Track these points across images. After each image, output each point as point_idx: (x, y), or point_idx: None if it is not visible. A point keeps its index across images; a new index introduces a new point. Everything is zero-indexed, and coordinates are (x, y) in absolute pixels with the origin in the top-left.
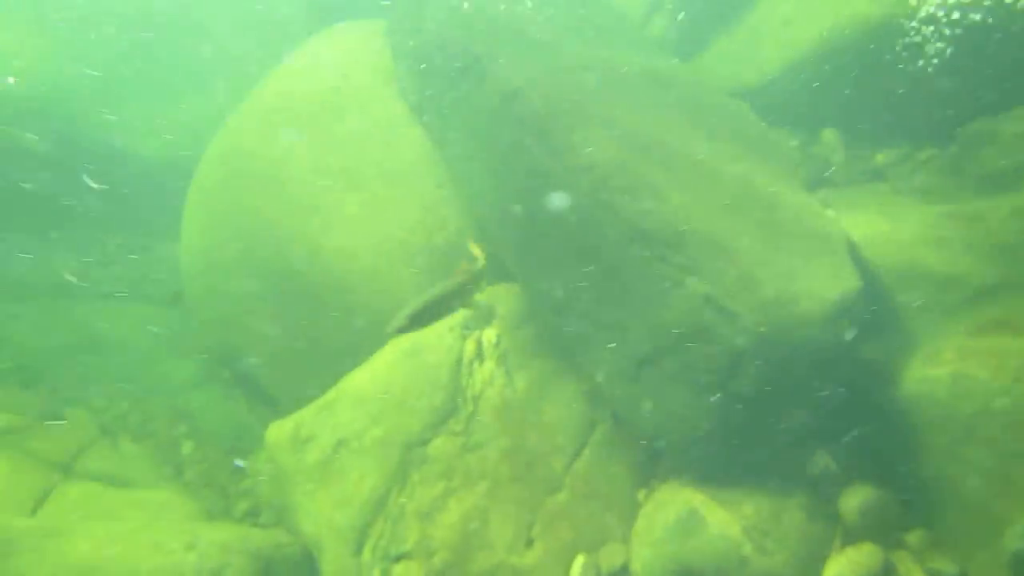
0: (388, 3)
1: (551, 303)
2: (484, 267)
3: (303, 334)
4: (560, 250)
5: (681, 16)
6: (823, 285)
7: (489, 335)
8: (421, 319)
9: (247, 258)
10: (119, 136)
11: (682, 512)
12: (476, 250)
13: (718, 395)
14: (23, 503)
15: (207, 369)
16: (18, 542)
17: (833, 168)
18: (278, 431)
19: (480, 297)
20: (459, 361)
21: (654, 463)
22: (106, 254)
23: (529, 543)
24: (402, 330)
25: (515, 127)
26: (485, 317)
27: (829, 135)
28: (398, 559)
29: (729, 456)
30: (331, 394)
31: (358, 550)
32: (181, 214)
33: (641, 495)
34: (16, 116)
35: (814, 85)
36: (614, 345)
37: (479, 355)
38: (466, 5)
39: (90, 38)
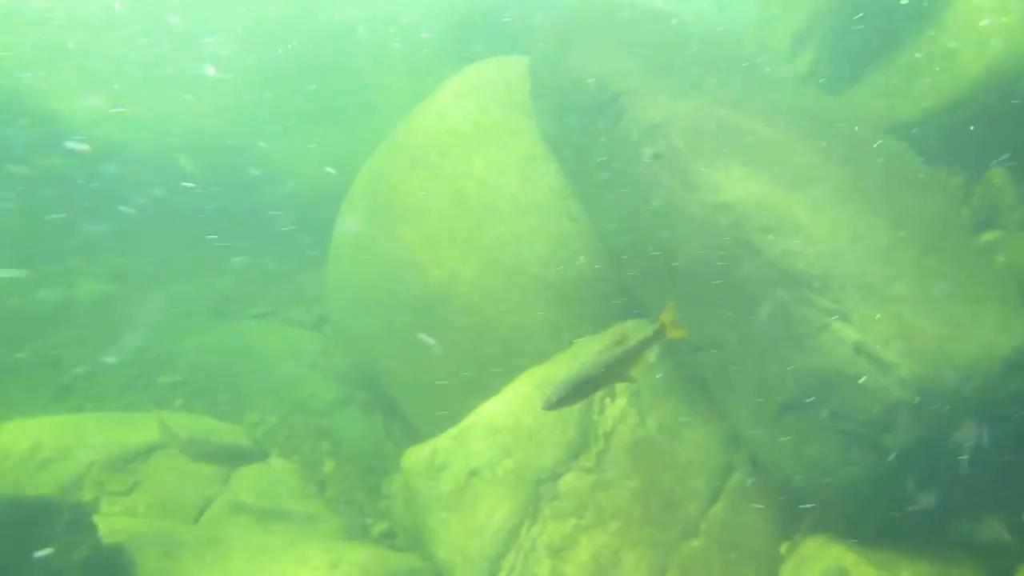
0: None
1: (688, 343)
2: (659, 333)
3: (439, 362)
4: (697, 288)
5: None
6: (992, 336)
7: None
8: (580, 391)
9: (388, 286)
10: (271, 166)
11: (830, 570)
12: (668, 314)
13: (870, 449)
14: (187, 511)
15: (348, 391)
16: (183, 548)
17: (1001, 211)
18: (414, 457)
19: (614, 330)
20: (591, 397)
21: (797, 515)
22: (260, 277)
23: None
24: (553, 405)
25: (652, 163)
26: None
27: (997, 175)
28: None
29: (883, 514)
30: (466, 422)
31: None
32: (326, 242)
33: (783, 548)
34: (181, 145)
35: (978, 121)
36: (754, 389)
37: (611, 391)
38: (607, 43)
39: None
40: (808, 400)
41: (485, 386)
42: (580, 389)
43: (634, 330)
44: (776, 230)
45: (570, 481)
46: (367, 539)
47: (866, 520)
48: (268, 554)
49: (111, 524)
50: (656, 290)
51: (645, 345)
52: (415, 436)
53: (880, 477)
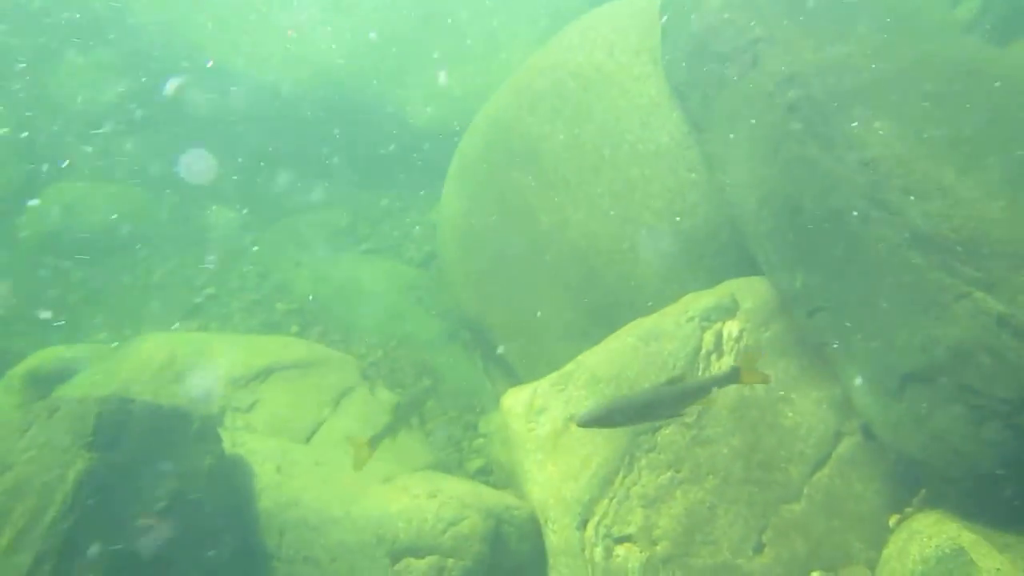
0: None
1: (805, 304)
2: (731, 377)
3: (542, 306)
4: (823, 249)
5: None
6: None
7: (731, 328)
8: (616, 418)
9: (497, 228)
10: (395, 105)
11: (945, 547)
12: (749, 359)
13: (1007, 428)
14: (299, 432)
15: (451, 329)
16: (295, 466)
17: None
18: (513, 398)
19: (725, 287)
20: (696, 352)
21: (910, 488)
22: (373, 213)
23: (759, 548)
24: (583, 424)
25: (787, 114)
26: (728, 309)
27: None
28: (621, 541)
29: (1010, 497)
30: (567, 368)
31: (582, 525)
32: (440, 180)
33: (892, 520)
34: (312, 84)
35: None
36: (875, 356)
37: (717, 348)
38: None
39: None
40: (938, 371)
41: (587, 335)
42: (617, 416)
43: (741, 288)
44: (919, 192)
45: (668, 435)
46: (462, 473)
47: (992, 502)
48: (371, 478)
49: (233, 437)
50: (775, 248)
51: (710, 386)
52: (514, 378)
53: (1009, 458)
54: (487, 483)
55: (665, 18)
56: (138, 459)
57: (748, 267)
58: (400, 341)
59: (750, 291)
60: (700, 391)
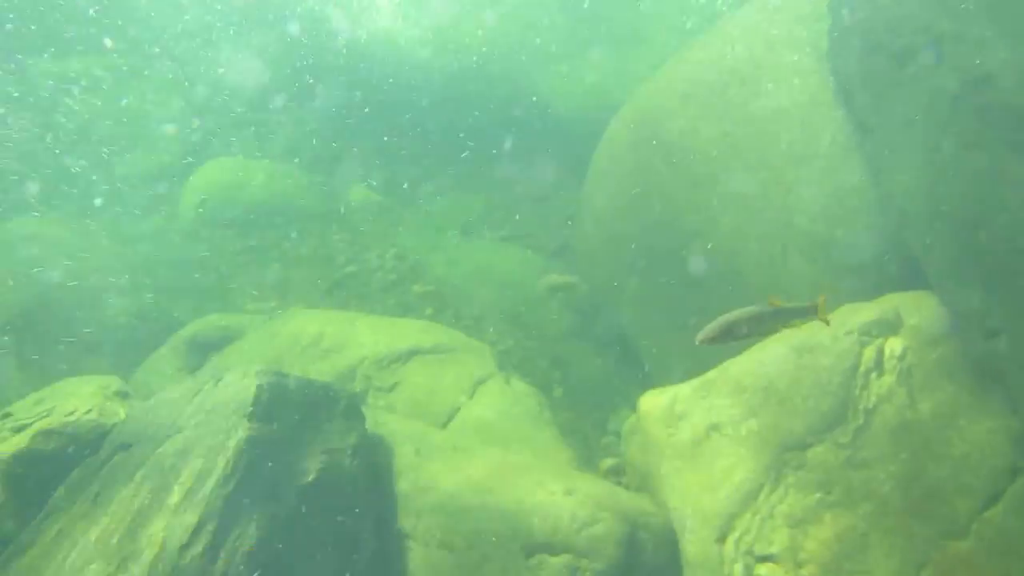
0: None
1: (981, 325)
2: (810, 311)
3: (681, 306)
4: (1009, 266)
5: None
6: None
7: (893, 345)
8: (732, 332)
9: (639, 224)
10: (535, 92)
11: None
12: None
13: None
14: (437, 416)
15: (584, 322)
16: (433, 450)
17: None
18: (652, 402)
19: (888, 300)
20: (854, 369)
21: None
22: (510, 199)
23: None
24: (713, 340)
25: (975, 118)
26: (891, 325)
27: None
28: (763, 560)
29: None
30: (710, 375)
31: (721, 538)
32: (580, 170)
33: None
34: (453, 71)
35: None
36: None
37: (878, 366)
38: None
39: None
40: None
41: None
42: (733, 329)
43: (906, 303)
44: None
45: (820, 453)
46: (593, 471)
47: None
48: (506, 470)
49: (375, 416)
50: (950, 262)
51: (797, 315)
52: (646, 378)
53: None
54: (619, 484)
55: (835, 11)
56: (290, 431)
57: (912, 281)
58: (531, 331)
59: (916, 307)
60: (790, 315)
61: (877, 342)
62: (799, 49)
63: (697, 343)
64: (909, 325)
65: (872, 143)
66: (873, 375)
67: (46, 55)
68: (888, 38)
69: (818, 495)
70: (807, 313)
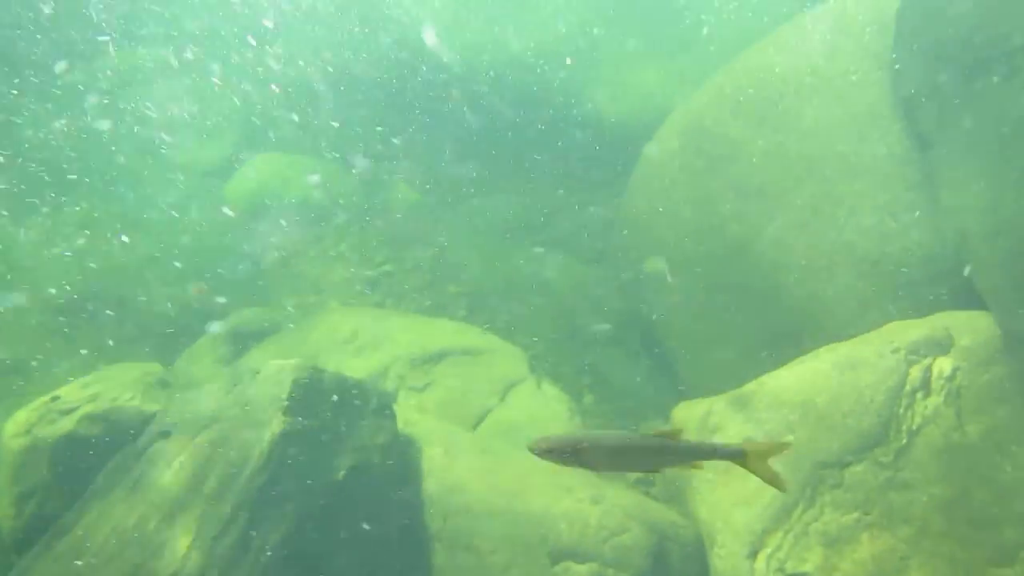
0: None
1: None
2: (735, 454)
3: (720, 317)
4: None
5: None
6: None
7: (942, 366)
8: (572, 456)
9: (682, 233)
10: (580, 95)
11: None
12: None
13: None
14: (467, 418)
15: (617, 329)
16: (462, 452)
17: None
18: (686, 412)
19: (938, 319)
20: (899, 388)
21: None
22: (549, 204)
23: None
24: (538, 451)
25: None
26: (941, 344)
27: None
28: None
29: None
30: (747, 388)
31: (752, 554)
32: (623, 176)
33: None
34: (499, 74)
35: None
36: None
37: (924, 386)
38: None
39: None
40: None
41: (764, 353)
42: (572, 453)
43: (958, 323)
44: None
45: (858, 472)
46: (623, 480)
47: None
48: (532, 475)
49: (406, 415)
50: (1010, 282)
51: (699, 455)
52: (678, 387)
53: None
54: (648, 494)
55: (901, 21)
56: (323, 427)
57: (965, 300)
58: (564, 336)
59: (969, 326)
60: (687, 455)
61: (925, 361)
62: (859, 59)
63: (530, 450)
64: (960, 345)
65: (933, 158)
66: (919, 395)
67: (112, 48)
68: (958, 51)
69: (856, 515)
70: (729, 456)
